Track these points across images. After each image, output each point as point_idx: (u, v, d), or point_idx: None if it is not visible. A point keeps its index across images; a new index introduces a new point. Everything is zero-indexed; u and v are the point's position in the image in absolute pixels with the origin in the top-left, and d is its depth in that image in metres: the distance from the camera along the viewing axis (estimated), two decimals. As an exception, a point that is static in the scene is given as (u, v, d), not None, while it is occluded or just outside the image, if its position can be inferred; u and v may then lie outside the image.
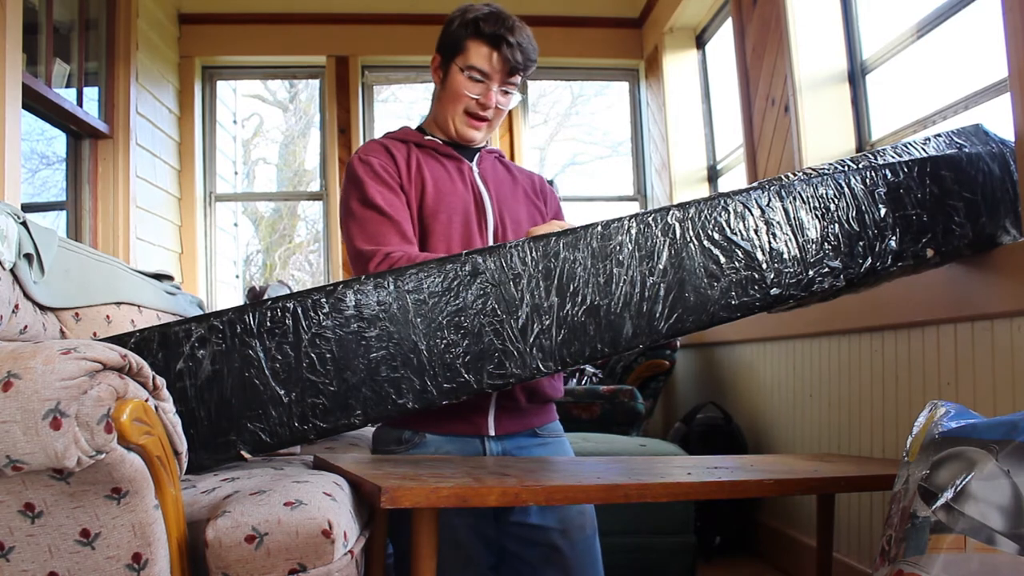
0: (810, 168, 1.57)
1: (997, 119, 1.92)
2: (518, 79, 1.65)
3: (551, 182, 2.43)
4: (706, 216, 1.38)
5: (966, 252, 1.64)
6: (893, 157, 1.65)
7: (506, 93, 1.65)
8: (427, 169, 1.63)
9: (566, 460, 1.57)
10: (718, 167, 3.88)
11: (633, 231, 1.36)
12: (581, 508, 1.60)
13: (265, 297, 2.21)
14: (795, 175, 1.51)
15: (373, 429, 2.10)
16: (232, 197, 4.52)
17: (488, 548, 1.55)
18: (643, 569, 2.37)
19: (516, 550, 1.57)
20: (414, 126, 1.75)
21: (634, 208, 4.37)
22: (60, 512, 0.92)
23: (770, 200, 1.42)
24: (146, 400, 0.96)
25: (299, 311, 1.27)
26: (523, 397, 1.59)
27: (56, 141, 3.25)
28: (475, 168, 1.69)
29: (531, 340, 1.32)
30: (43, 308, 1.56)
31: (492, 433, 1.57)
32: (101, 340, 1.04)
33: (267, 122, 6.92)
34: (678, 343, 3.51)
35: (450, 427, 1.56)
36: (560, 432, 1.70)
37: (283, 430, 1.27)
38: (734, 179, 3.74)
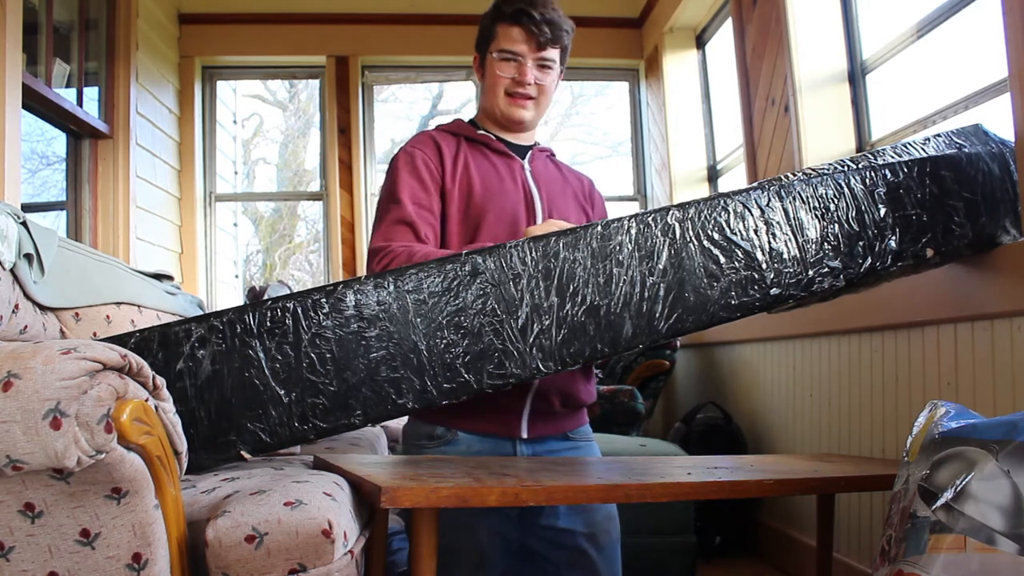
0: (810, 168, 1.57)
1: (997, 119, 1.92)
2: (554, 53, 1.63)
3: None
4: (706, 216, 1.38)
5: (966, 252, 1.64)
6: (893, 157, 1.64)
7: (543, 67, 1.63)
8: (475, 166, 1.63)
9: (567, 460, 1.57)
10: (718, 167, 3.88)
11: (633, 231, 1.36)
12: (608, 513, 1.61)
13: (265, 297, 2.22)
14: (795, 175, 1.51)
15: (380, 427, 2.10)
16: (232, 197, 4.52)
17: (507, 551, 1.55)
18: (643, 569, 2.37)
19: (542, 551, 1.57)
20: (466, 119, 1.75)
21: (634, 208, 4.37)
22: (60, 512, 0.92)
23: (770, 200, 1.42)
24: (146, 400, 0.96)
25: (299, 311, 1.27)
26: (557, 401, 1.58)
27: (56, 141, 3.25)
28: (527, 167, 1.68)
29: (531, 340, 1.32)
30: (43, 308, 1.56)
31: (524, 436, 1.56)
32: (101, 340, 1.04)
33: (267, 122, 6.92)
34: (678, 343, 3.51)
35: (483, 426, 1.55)
36: (590, 435, 1.70)
37: (283, 430, 1.27)
38: (734, 179, 3.74)
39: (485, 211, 1.57)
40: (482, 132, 1.68)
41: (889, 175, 1.50)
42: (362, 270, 4.10)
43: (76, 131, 3.24)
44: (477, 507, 1.38)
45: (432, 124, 1.77)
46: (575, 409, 1.64)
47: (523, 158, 1.69)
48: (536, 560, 1.57)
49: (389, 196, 1.57)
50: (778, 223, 1.41)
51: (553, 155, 1.78)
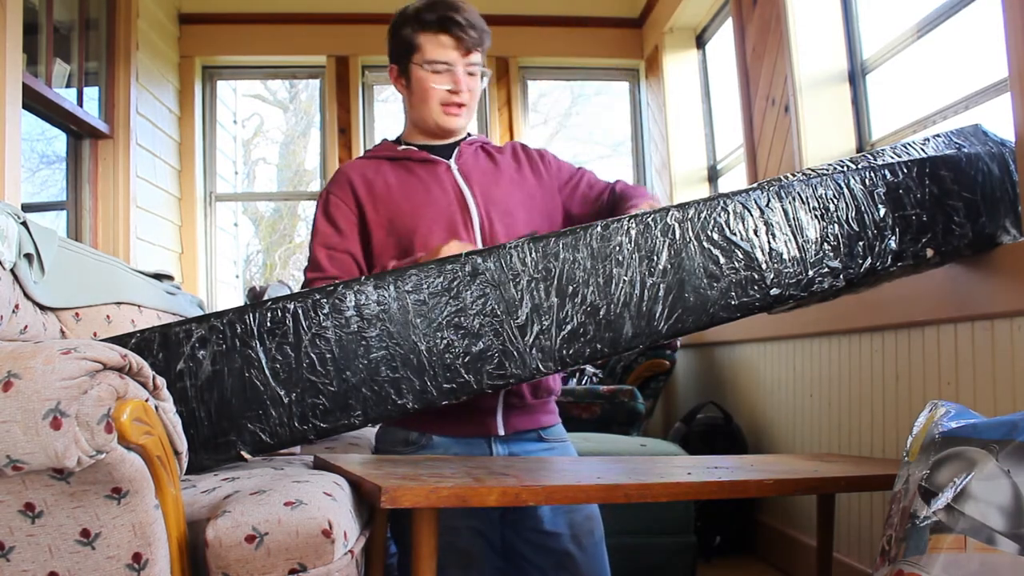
0: (809, 168, 1.57)
1: (997, 119, 1.92)
2: (478, 56, 1.62)
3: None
4: (705, 217, 1.38)
5: (966, 252, 1.64)
6: (892, 157, 1.64)
7: (471, 73, 1.63)
8: (399, 186, 1.62)
9: (566, 460, 1.57)
10: (718, 167, 3.88)
11: (633, 232, 1.36)
12: (589, 513, 1.60)
13: (265, 297, 2.22)
14: (794, 175, 1.51)
15: (375, 429, 2.10)
16: (232, 197, 4.52)
17: (493, 551, 1.56)
18: (643, 569, 2.37)
19: (528, 554, 1.57)
20: (392, 138, 1.74)
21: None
22: (60, 512, 0.92)
23: (769, 200, 1.42)
24: (146, 400, 0.96)
25: (299, 312, 1.27)
26: (528, 393, 1.59)
27: (56, 141, 3.25)
28: (454, 166, 1.66)
29: (531, 340, 1.32)
30: (43, 308, 1.56)
31: (501, 433, 1.57)
32: (101, 340, 1.04)
33: (267, 122, 6.92)
34: (678, 343, 3.51)
35: (458, 429, 1.56)
36: (564, 436, 1.70)
37: (283, 430, 1.27)
38: (734, 179, 3.74)
39: (416, 226, 1.57)
40: (403, 148, 1.67)
41: (889, 175, 1.50)
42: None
43: (76, 131, 3.24)
44: (460, 509, 1.39)
45: (391, 138, 1.76)
46: (546, 399, 1.64)
47: (450, 158, 1.67)
48: (521, 563, 1.58)
49: (311, 235, 1.63)
50: (778, 223, 1.41)
51: (485, 143, 1.75)
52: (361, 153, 4.20)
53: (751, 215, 1.40)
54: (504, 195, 1.65)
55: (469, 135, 1.74)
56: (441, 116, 1.63)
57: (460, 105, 1.63)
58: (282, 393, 1.26)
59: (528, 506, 1.54)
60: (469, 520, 1.52)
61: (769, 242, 1.40)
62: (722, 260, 1.38)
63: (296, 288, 3.94)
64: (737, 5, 3.19)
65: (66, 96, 3.04)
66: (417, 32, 1.61)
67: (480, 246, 1.56)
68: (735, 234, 1.39)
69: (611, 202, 1.69)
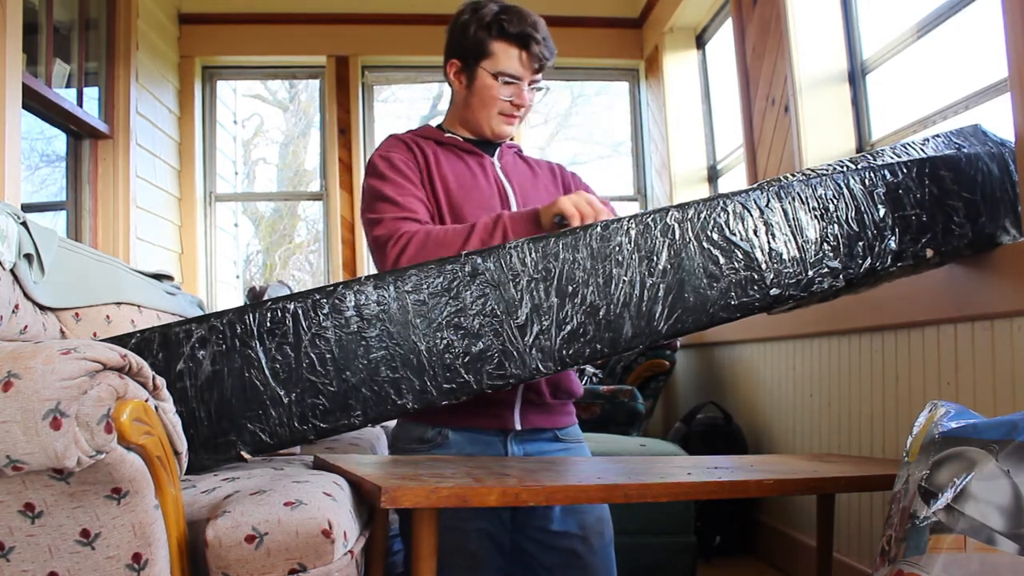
0: (809, 169, 1.57)
1: (997, 119, 1.92)
2: (542, 73, 1.65)
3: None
4: (705, 217, 1.38)
5: (966, 252, 1.64)
6: (892, 157, 1.65)
7: (534, 89, 1.65)
8: (448, 166, 1.63)
9: (566, 460, 1.57)
10: (718, 167, 3.88)
11: (632, 232, 1.36)
12: (600, 514, 1.61)
13: (265, 297, 2.22)
14: (794, 176, 1.51)
15: (376, 429, 2.09)
16: (232, 197, 4.52)
17: (500, 554, 1.55)
18: (643, 569, 2.37)
19: (535, 553, 1.57)
20: (435, 124, 1.74)
21: (634, 208, 4.37)
22: (60, 512, 0.92)
23: (769, 201, 1.42)
24: (146, 400, 0.96)
25: (299, 312, 1.27)
26: (548, 391, 1.59)
27: (56, 141, 3.25)
28: (497, 163, 1.69)
29: (531, 340, 1.32)
30: (43, 308, 1.56)
31: (517, 427, 1.56)
32: (101, 340, 1.04)
33: (267, 122, 6.91)
34: (678, 343, 3.51)
35: (475, 421, 1.55)
36: (580, 437, 1.70)
37: (283, 430, 1.27)
38: (734, 179, 3.74)
39: (464, 205, 1.58)
40: (449, 135, 1.68)
41: (888, 175, 1.50)
42: (363, 270, 4.10)
43: (76, 131, 3.24)
44: (466, 509, 1.39)
45: (432, 124, 1.77)
46: (565, 400, 1.65)
47: (492, 155, 1.70)
48: (529, 563, 1.57)
49: (377, 195, 1.56)
50: (777, 224, 1.41)
51: (520, 151, 1.78)
52: (362, 153, 4.23)
53: (751, 215, 1.40)
54: (540, 200, 1.66)
55: (505, 139, 1.75)
56: (498, 124, 1.65)
57: (517, 116, 1.65)
58: (282, 393, 1.26)
59: (539, 507, 1.54)
60: (479, 522, 1.51)
61: (769, 242, 1.40)
62: (722, 260, 1.38)
63: (296, 288, 3.94)
64: (737, 5, 3.19)
65: (66, 96, 3.04)
66: (493, 38, 1.59)
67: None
68: (735, 234, 1.39)
69: None
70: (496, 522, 1.54)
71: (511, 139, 1.74)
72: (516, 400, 1.56)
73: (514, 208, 1.62)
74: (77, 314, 1.70)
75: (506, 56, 1.59)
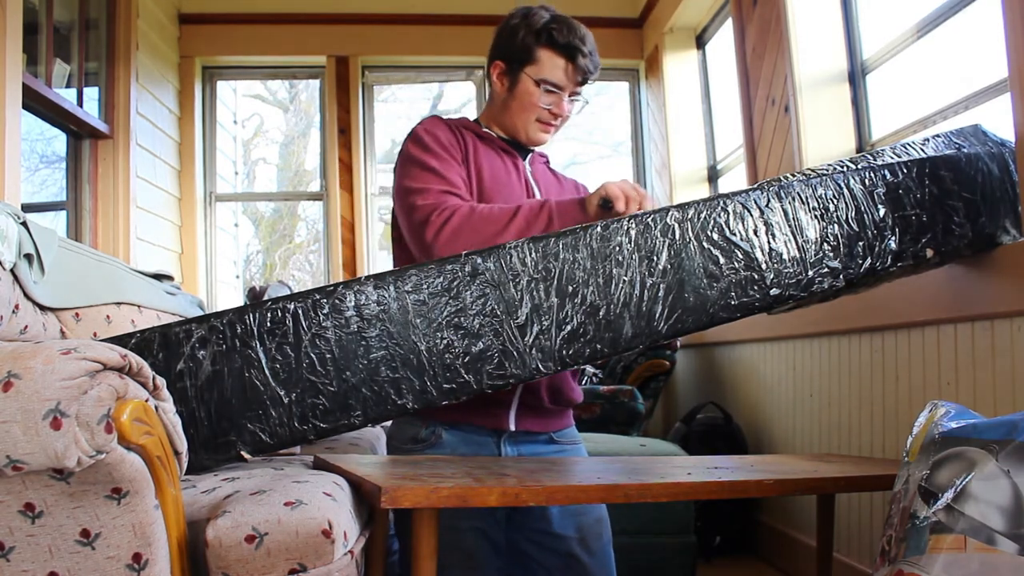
0: (809, 169, 1.57)
1: (997, 119, 1.92)
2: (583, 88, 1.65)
3: None
4: (705, 217, 1.38)
5: (966, 252, 1.64)
6: (892, 157, 1.65)
7: (574, 101, 1.66)
8: (485, 158, 1.63)
9: (566, 460, 1.57)
10: (718, 167, 3.88)
11: (632, 232, 1.36)
12: (598, 516, 1.61)
13: (265, 297, 2.22)
14: (794, 176, 1.51)
15: (376, 429, 2.09)
16: (232, 197, 4.52)
17: (496, 553, 1.55)
18: (643, 569, 2.37)
19: (534, 554, 1.57)
20: (473, 117, 1.76)
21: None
22: (60, 512, 0.92)
23: (769, 201, 1.42)
24: (146, 400, 0.96)
25: (299, 312, 1.27)
26: (547, 397, 1.58)
27: (56, 141, 3.25)
28: (527, 167, 1.70)
29: (531, 340, 1.32)
30: (43, 308, 1.56)
31: (512, 428, 1.56)
32: (101, 340, 1.04)
33: (267, 122, 6.91)
34: (678, 343, 3.51)
35: (469, 419, 1.55)
36: (577, 438, 1.70)
37: (283, 430, 1.27)
38: (734, 179, 3.74)
39: (493, 196, 1.58)
40: (486, 130, 1.69)
41: (888, 175, 1.50)
42: (363, 270, 4.10)
43: (76, 131, 3.24)
44: (464, 509, 1.39)
45: (470, 119, 1.78)
46: (563, 407, 1.65)
47: (524, 159, 1.71)
48: (528, 563, 1.58)
49: (421, 165, 1.53)
50: (777, 224, 1.41)
51: (548, 161, 1.81)
52: (362, 153, 4.23)
53: (751, 215, 1.40)
54: None
55: (535, 148, 1.76)
56: (534, 131, 1.65)
57: (554, 125, 1.66)
58: (282, 393, 1.26)
59: (537, 507, 1.54)
60: (473, 521, 1.51)
61: (769, 242, 1.40)
62: (722, 260, 1.38)
63: (296, 288, 3.94)
64: (737, 5, 3.19)
65: (66, 96, 3.04)
66: (540, 46, 1.60)
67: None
68: (735, 234, 1.39)
69: None
70: (491, 521, 1.54)
71: (542, 148, 1.75)
72: (513, 401, 1.56)
73: None
74: (77, 314, 1.70)
75: (551, 65, 1.60)
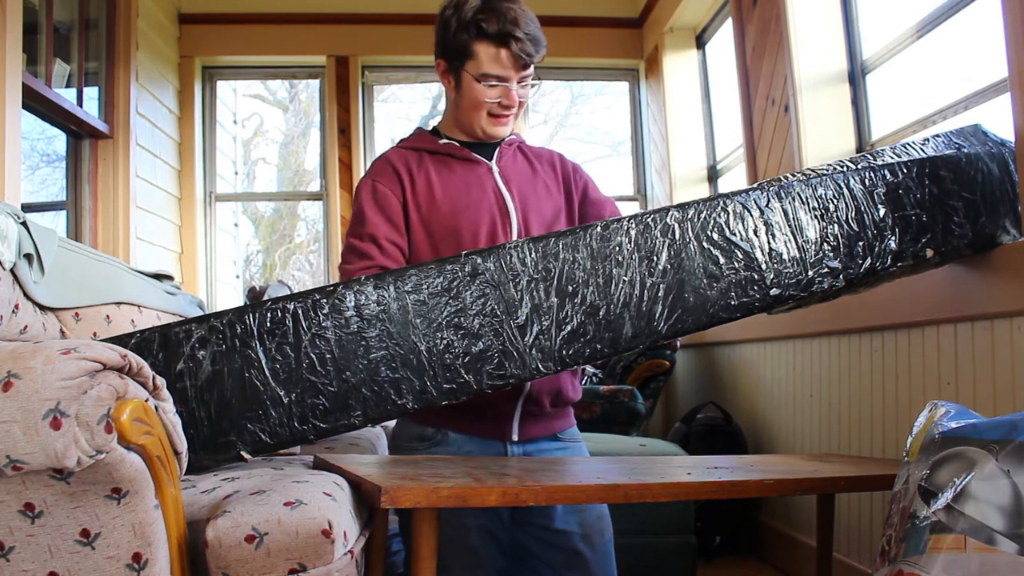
0: (809, 169, 1.57)
1: (997, 119, 1.92)
2: (532, 68, 1.58)
3: None
4: (705, 217, 1.38)
5: (966, 252, 1.64)
6: (892, 157, 1.65)
7: (525, 85, 1.59)
8: (440, 183, 1.58)
9: (566, 460, 1.57)
10: (718, 167, 3.88)
11: (632, 232, 1.36)
12: (600, 513, 1.61)
13: (265, 297, 2.22)
14: (794, 176, 1.51)
15: (376, 429, 2.09)
16: (232, 197, 4.52)
17: (500, 551, 1.56)
18: (643, 569, 2.37)
19: (538, 552, 1.57)
20: (430, 127, 1.71)
21: (634, 208, 4.37)
22: (60, 512, 0.92)
23: (769, 201, 1.42)
24: (146, 400, 0.96)
25: (299, 312, 1.27)
26: (547, 401, 1.58)
27: (56, 141, 3.25)
28: (495, 168, 1.63)
29: (530, 340, 1.32)
30: (43, 308, 1.56)
31: (515, 439, 1.57)
32: (101, 340, 1.04)
33: (267, 122, 6.91)
34: (678, 343, 3.51)
35: (474, 428, 1.56)
36: (578, 437, 1.70)
37: (283, 430, 1.27)
38: (734, 179, 3.74)
39: (457, 228, 1.54)
40: (445, 142, 1.63)
41: (888, 175, 1.50)
42: (362, 270, 4.09)
43: (76, 131, 3.24)
44: (469, 507, 1.39)
45: (432, 124, 1.75)
46: (563, 407, 1.65)
47: (491, 159, 1.64)
48: (531, 560, 1.58)
49: (356, 222, 1.57)
50: (777, 224, 1.41)
51: (522, 144, 1.72)
52: (362, 153, 4.23)
53: (751, 215, 1.40)
54: (540, 203, 1.63)
55: (508, 134, 1.70)
56: (489, 125, 1.60)
57: (508, 115, 1.60)
58: (282, 393, 1.26)
59: (539, 505, 1.55)
60: (479, 519, 1.51)
61: (769, 242, 1.40)
62: (722, 260, 1.38)
63: (296, 288, 3.94)
64: (737, 5, 3.19)
65: (66, 96, 3.04)
66: (474, 40, 1.53)
67: None
68: (735, 234, 1.39)
69: None
70: (496, 519, 1.54)
71: (512, 133, 1.69)
72: (516, 411, 1.56)
73: (513, 217, 1.58)
74: (77, 314, 1.70)
75: (488, 57, 1.53)
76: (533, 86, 1.61)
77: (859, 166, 1.55)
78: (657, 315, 1.35)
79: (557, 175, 1.70)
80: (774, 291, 1.40)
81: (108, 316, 1.83)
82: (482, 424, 1.55)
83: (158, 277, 2.29)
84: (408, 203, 1.57)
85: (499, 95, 1.56)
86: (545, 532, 1.56)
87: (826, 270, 1.43)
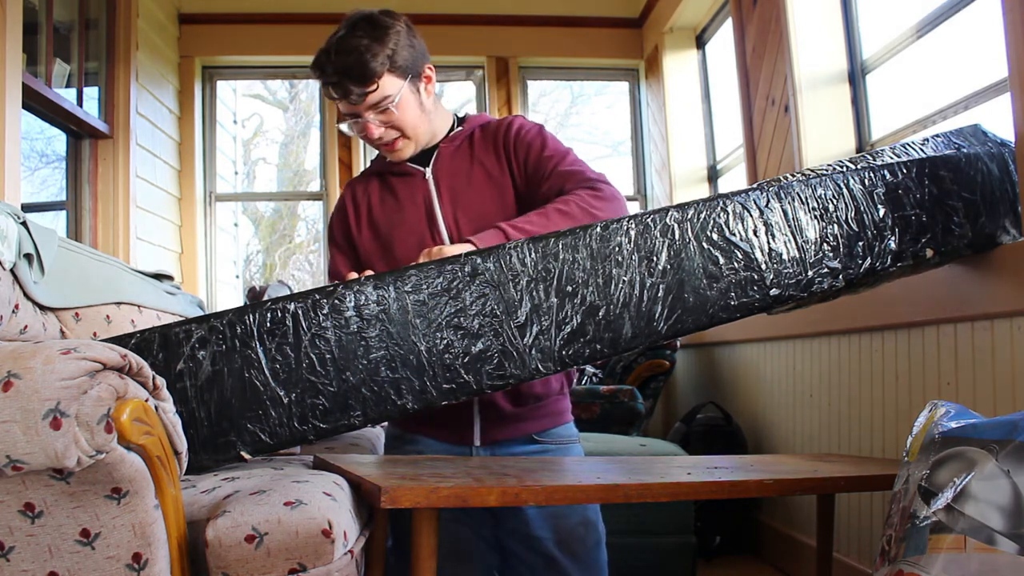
0: (809, 169, 1.57)
1: (997, 119, 1.92)
2: (376, 94, 1.50)
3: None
4: (705, 217, 1.38)
5: (966, 252, 1.64)
6: (891, 158, 1.65)
7: (381, 111, 1.52)
8: (381, 204, 1.63)
9: (566, 460, 1.56)
10: (718, 167, 3.88)
11: (632, 232, 1.36)
12: (583, 520, 1.57)
13: (265, 297, 2.22)
14: (794, 176, 1.51)
15: (376, 429, 2.10)
16: (232, 197, 4.52)
17: (491, 550, 1.56)
18: (643, 569, 2.37)
19: (521, 554, 1.57)
20: None
21: (634, 208, 4.37)
22: (60, 512, 0.92)
23: (769, 201, 1.42)
24: (146, 400, 0.96)
25: (299, 312, 1.27)
26: (507, 403, 1.54)
27: (56, 141, 3.25)
28: (428, 174, 1.60)
29: (530, 341, 1.32)
30: (43, 308, 1.56)
31: (477, 443, 1.56)
32: (101, 340, 1.04)
33: (267, 122, 6.91)
34: (678, 343, 3.51)
35: (440, 433, 1.58)
36: (568, 438, 1.63)
37: (283, 430, 1.27)
38: (734, 179, 3.74)
39: (392, 242, 1.58)
40: (389, 160, 1.64)
41: (888, 176, 1.50)
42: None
43: (76, 131, 3.24)
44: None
45: None
46: (535, 405, 1.57)
47: (427, 164, 1.61)
48: (514, 562, 1.59)
49: (329, 254, 1.71)
50: (777, 224, 1.41)
51: (471, 135, 1.63)
52: (362, 153, 4.23)
53: (751, 215, 1.40)
54: (476, 195, 1.57)
55: (464, 118, 1.66)
56: (387, 155, 1.62)
57: (387, 145, 1.57)
58: (282, 393, 1.26)
59: (514, 508, 1.53)
60: (464, 522, 1.53)
61: (769, 242, 1.40)
62: (722, 260, 1.38)
63: (296, 289, 3.94)
64: (737, 5, 3.19)
65: (66, 96, 3.03)
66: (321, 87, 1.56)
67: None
68: (735, 234, 1.39)
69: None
70: (477, 517, 1.55)
71: (455, 122, 1.65)
72: (474, 417, 1.55)
73: (440, 223, 1.56)
74: (77, 314, 1.70)
75: (332, 100, 1.56)
76: (391, 106, 1.52)
77: (859, 166, 1.55)
78: (657, 315, 1.35)
79: (499, 150, 1.59)
80: (774, 291, 1.40)
81: (108, 316, 1.83)
82: (446, 429, 1.56)
83: (158, 277, 2.29)
84: (352, 231, 1.63)
85: (360, 131, 1.56)
86: (523, 537, 1.56)
87: (826, 270, 1.43)
